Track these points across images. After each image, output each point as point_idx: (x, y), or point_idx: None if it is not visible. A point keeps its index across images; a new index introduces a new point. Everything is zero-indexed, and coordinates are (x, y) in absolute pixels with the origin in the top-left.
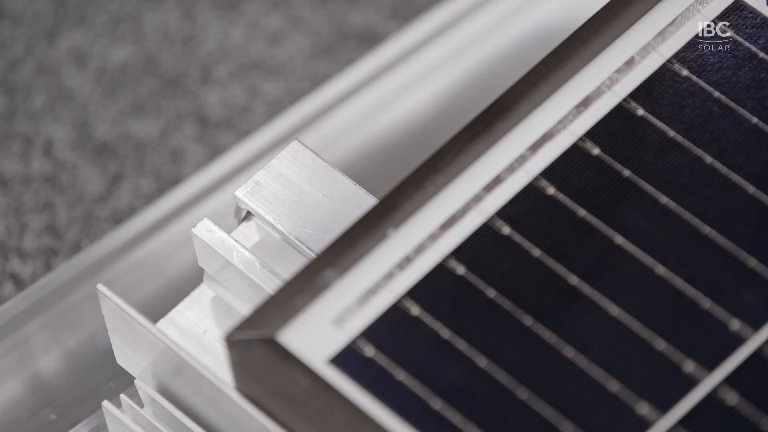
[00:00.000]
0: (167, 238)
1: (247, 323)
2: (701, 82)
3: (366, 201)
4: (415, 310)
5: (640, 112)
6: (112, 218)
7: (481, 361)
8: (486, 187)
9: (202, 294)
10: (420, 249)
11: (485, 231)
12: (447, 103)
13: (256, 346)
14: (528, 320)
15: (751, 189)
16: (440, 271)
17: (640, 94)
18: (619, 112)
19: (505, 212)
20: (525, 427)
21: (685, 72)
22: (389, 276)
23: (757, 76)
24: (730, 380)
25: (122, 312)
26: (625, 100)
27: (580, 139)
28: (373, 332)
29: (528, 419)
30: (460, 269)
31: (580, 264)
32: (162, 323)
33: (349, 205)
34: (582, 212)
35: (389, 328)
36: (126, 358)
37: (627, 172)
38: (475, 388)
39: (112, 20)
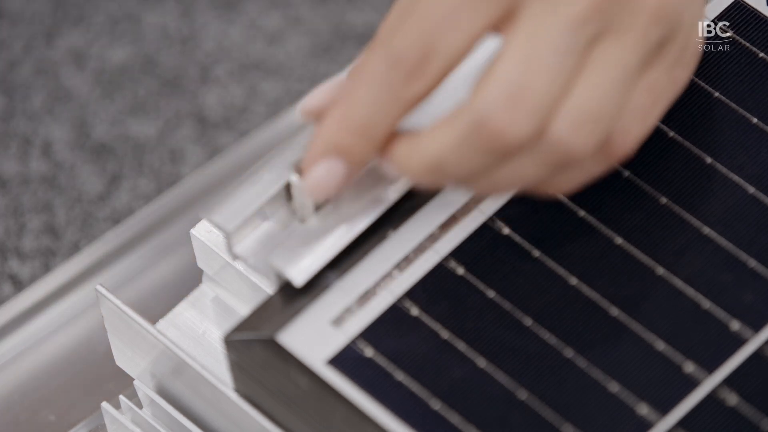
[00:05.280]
0: (166, 239)
1: (247, 324)
2: (701, 82)
3: None
4: (414, 310)
5: None
6: (111, 218)
7: (481, 362)
8: None
9: (202, 294)
10: (420, 249)
11: (485, 231)
12: None
13: (255, 346)
14: (528, 320)
15: (751, 189)
16: (440, 271)
17: None
18: None
19: (505, 212)
20: (525, 428)
21: None
22: (389, 276)
23: (757, 76)
24: (730, 381)
25: (122, 312)
26: None
27: None
28: (372, 333)
29: (528, 420)
30: (460, 270)
31: (580, 264)
32: (162, 324)
33: None
34: (582, 212)
35: (389, 328)
36: (125, 358)
37: (626, 173)
38: (475, 389)
39: (110, 20)
